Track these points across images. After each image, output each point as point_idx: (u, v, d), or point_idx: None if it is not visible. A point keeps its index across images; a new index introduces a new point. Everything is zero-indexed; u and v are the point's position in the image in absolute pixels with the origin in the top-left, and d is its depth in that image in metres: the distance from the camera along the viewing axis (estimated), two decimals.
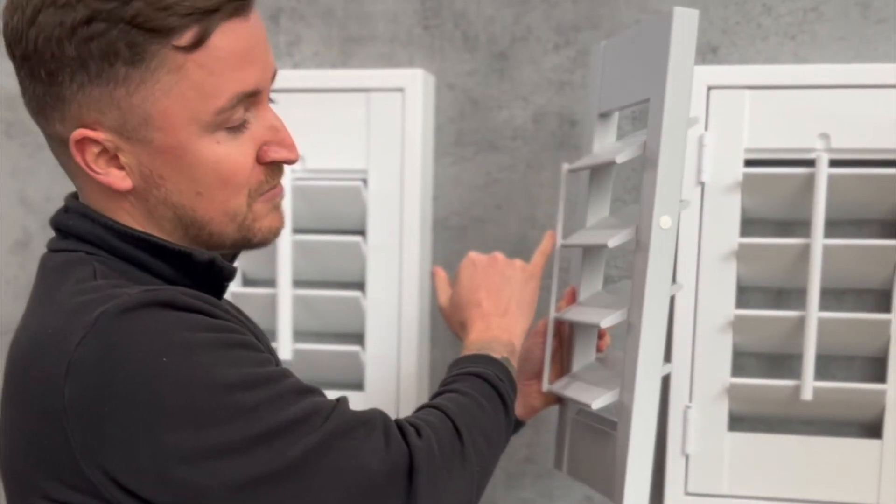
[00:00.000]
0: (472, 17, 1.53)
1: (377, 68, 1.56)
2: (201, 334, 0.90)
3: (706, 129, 1.41)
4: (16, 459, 0.96)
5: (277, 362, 1.00)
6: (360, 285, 1.56)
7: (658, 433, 1.47)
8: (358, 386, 1.57)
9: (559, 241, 1.36)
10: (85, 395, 0.88)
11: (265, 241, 1.03)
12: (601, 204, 1.36)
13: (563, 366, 1.37)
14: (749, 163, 1.41)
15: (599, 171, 1.34)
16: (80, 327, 0.89)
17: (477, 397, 1.08)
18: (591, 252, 1.35)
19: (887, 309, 1.40)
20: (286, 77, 1.55)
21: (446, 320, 1.34)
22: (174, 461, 0.88)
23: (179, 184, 0.97)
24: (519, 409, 1.35)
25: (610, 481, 1.20)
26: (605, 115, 1.35)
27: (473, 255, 1.32)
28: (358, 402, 1.54)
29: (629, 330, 1.16)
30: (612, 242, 1.18)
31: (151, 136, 0.94)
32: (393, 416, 1.51)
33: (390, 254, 1.53)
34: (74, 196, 1.04)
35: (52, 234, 1.05)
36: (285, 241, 1.53)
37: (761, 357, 1.48)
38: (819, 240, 1.36)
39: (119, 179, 0.96)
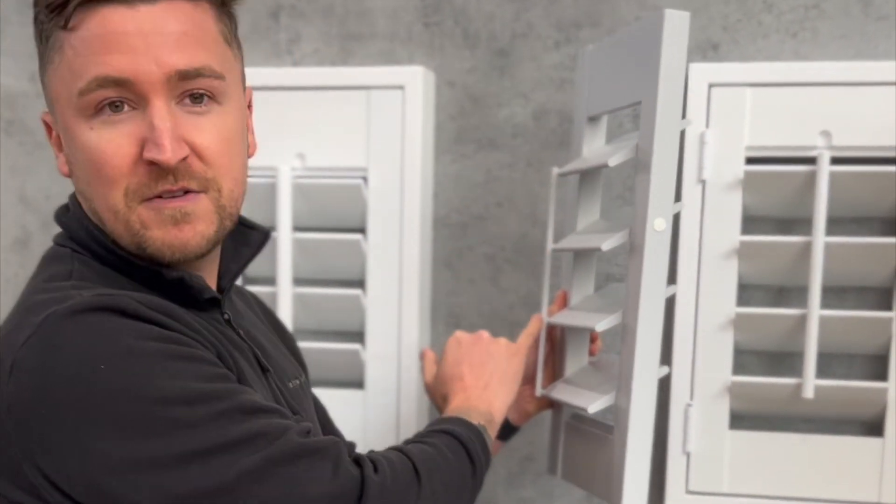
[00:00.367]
0: (472, 13, 1.53)
1: (377, 66, 1.55)
2: (147, 343, 0.89)
3: (707, 126, 1.41)
4: None
5: (240, 378, 0.98)
6: (360, 283, 1.56)
7: (659, 432, 1.47)
8: (358, 384, 1.56)
9: (549, 246, 1.36)
10: (23, 395, 0.88)
11: (161, 254, 0.97)
12: (591, 207, 1.36)
13: (555, 370, 1.37)
14: (750, 160, 1.41)
15: (589, 175, 1.34)
16: (29, 327, 0.89)
17: (443, 449, 1.06)
18: (582, 256, 1.35)
19: (888, 307, 1.40)
20: (286, 75, 1.56)
21: (430, 396, 1.35)
22: (104, 471, 0.87)
23: (77, 170, 0.98)
24: (512, 415, 1.36)
25: (607, 484, 1.19)
26: (593, 119, 1.35)
27: (459, 333, 1.33)
28: (358, 400, 1.55)
29: (625, 333, 1.16)
30: (606, 246, 1.18)
31: (57, 119, 0.98)
32: (393, 415, 1.54)
33: (390, 251, 1.53)
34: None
35: (51, 232, 1.06)
36: (285, 239, 1.53)
37: (762, 355, 1.48)
38: (820, 237, 1.36)
39: (61, 164, 1.00)
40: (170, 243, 0.96)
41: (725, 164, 1.40)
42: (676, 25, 1.11)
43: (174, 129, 0.94)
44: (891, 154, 1.37)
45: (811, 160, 1.37)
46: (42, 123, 1.03)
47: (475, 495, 1.11)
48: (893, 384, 1.38)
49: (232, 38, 1.02)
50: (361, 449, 1.42)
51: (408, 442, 1.09)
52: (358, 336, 1.57)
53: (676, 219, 1.42)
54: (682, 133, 1.40)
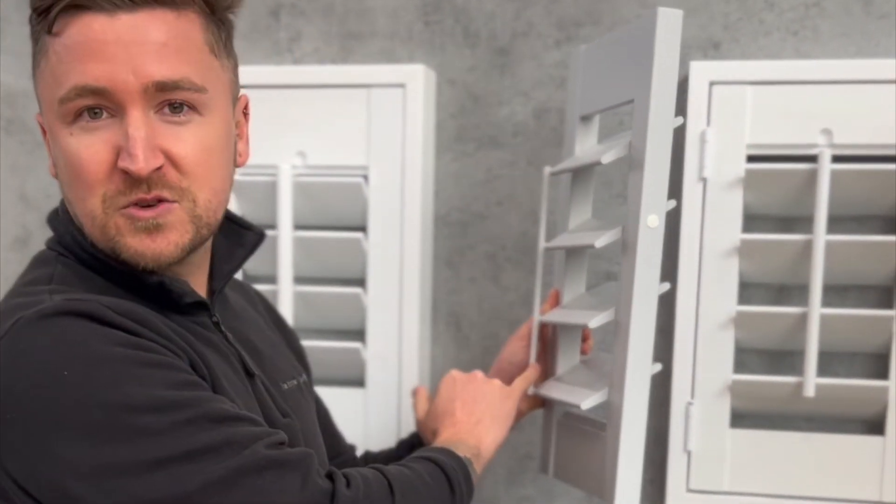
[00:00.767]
0: (472, 12, 1.53)
1: (378, 64, 1.55)
2: (114, 349, 0.89)
3: (708, 124, 1.41)
4: None
5: (216, 385, 0.98)
6: (360, 282, 1.56)
7: (660, 430, 1.47)
8: (359, 383, 1.56)
9: (542, 245, 1.36)
10: None
11: (135, 261, 0.97)
12: (583, 206, 1.36)
13: (547, 369, 1.37)
14: (751, 159, 1.41)
15: (581, 174, 1.34)
16: (1, 331, 0.90)
17: (423, 474, 1.05)
18: (574, 254, 1.35)
19: (889, 305, 1.40)
20: (287, 73, 1.56)
21: (421, 432, 1.34)
22: (70, 476, 0.87)
23: (60, 174, 0.99)
24: None
25: (600, 481, 1.20)
26: (586, 118, 1.35)
27: (454, 372, 1.32)
28: (359, 398, 1.55)
29: (617, 329, 1.16)
30: (600, 243, 1.18)
31: (45, 121, 0.98)
32: (394, 414, 1.54)
33: (391, 250, 1.53)
34: None
35: (50, 231, 1.07)
36: (286, 238, 1.53)
37: (763, 353, 1.48)
38: (821, 236, 1.36)
39: (51, 165, 1.01)
40: (142, 252, 0.96)
41: (726, 162, 1.40)
42: (670, 23, 1.11)
43: (149, 139, 0.94)
44: (891, 152, 1.37)
45: (812, 158, 1.37)
46: (37, 124, 1.03)
47: None
48: (894, 383, 1.38)
49: (220, 48, 1.01)
50: (361, 447, 1.44)
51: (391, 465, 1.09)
52: (358, 334, 1.57)
53: (677, 217, 1.42)
54: (683, 129, 1.41)
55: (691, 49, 1.45)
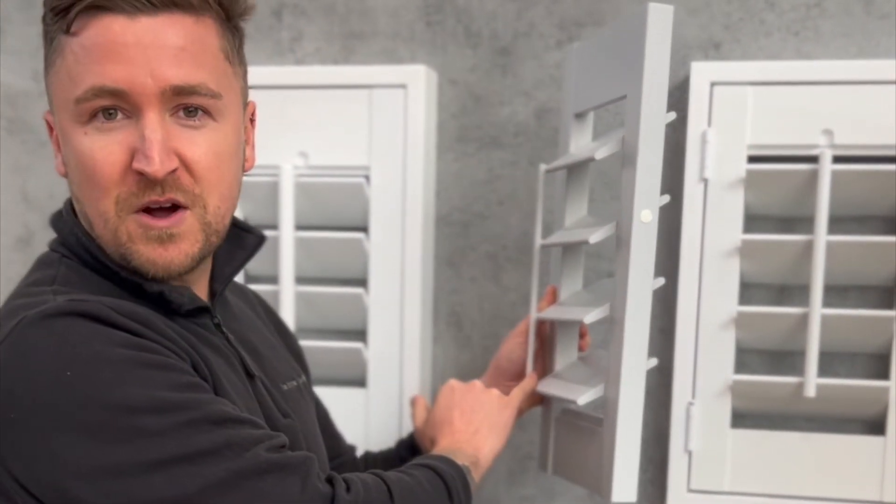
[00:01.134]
0: (474, 12, 1.53)
1: (379, 64, 1.55)
2: (116, 350, 0.89)
3: (709, 125, 1.41)
4: None
5: (218, 387, 0.98)
6: (362, 282, 1.56)
7: (661, 430, 1.47)
8: (360, 383, 1.57)
9: (538, 242, 1.36)
10: None
11: (145, 269, 0.97)
12: (579, 203, 1.36)
13: (545, 366, 1.37)
14: (752, 159, 1.41)
15: (576, 171, 1.35)
16: (3, 331, 0.90)
17: (422, 481, 1.05)
18: (570, 251, 1.36)
19: (890, 305, 1.40)
20: (288, 73, 1.56)
21: (419, 440, 1.35)
22: (70, 476, 0.87)
23: (71, 173, 0.99)
24: None
25: (597, 477, 1.20)
26: (580, 116, 1.36)
27: (453, 381, 1.33)
28: (360, 398, 1.55)
29: (612, 324, 1.17)
30: (594, 238, 1.18)
31: (56, 120, 0.98)
32: (396, 414, 1.54)
33: (392, 250, 1.53)
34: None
35: (52, 231, 1.07)
36: (287, 238, 1.53)
37: (764, 354, 1.48)
38: (822, 236, 1.36)
39: (59, 163, 1.01)
40: (154, 261, 0.97)
41: (727, 162, 1.41)
42: (660, 19, 1.11)
43: (165, 142, 0.94)
44: (892, 153, 1.37)
45: (813, 159, 1.37)
46: (44, 122, 1.04)
47: None
48: (895, 383, 1.38)
49: (234, 54, 1.02)
50: (362, 447, 1.44)
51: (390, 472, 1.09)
52: (360, 334, 1.57)
53: (678, 218, 1.42)
54: (684, 130, 1.41)
55: (692, 49, 1.45)
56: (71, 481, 0.87)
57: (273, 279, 1.56)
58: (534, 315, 1.36)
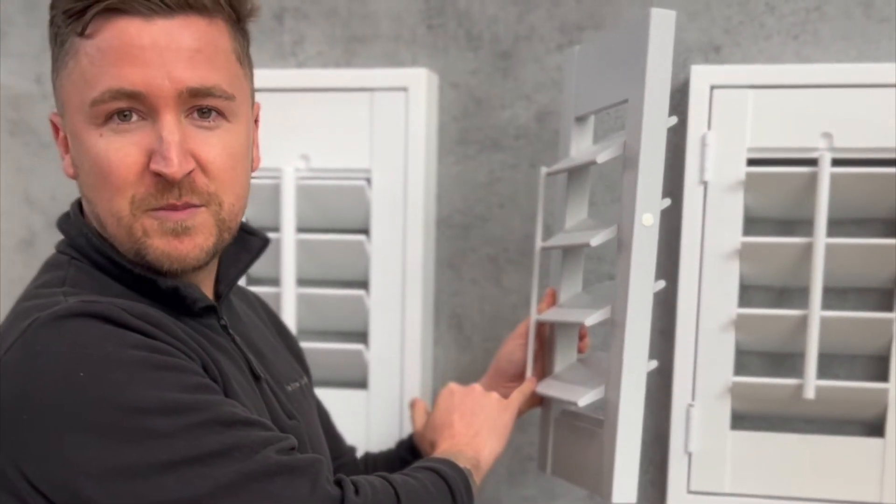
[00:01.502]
0: (475, 15, 1.53)
1: (381, 67, 1.56)
2: (128, 351, 0.90)
3: (709, 128, 1.41)
4: None
5: (227, 388, 0.98)
6: (363, 284, 1.57)
7: (661, 431, 1.48)
8: (361, 384, 1.57)
9: (538, 245, 1.36)
10: (6, 399, 0.89)
11: (159, 263, 0.98)
12: (579, 206, 1.37)
13: (544, 367, 1.38)
14: (752, 162, 1.41)
15: (577, 174, 1.35)
16: (16, 332, 0.91)
17: (427, 484, 1.06)
18: (570, 253, 1.36)
19: (890, 308, 1.41)
20: (290, 76, 1.56)
21: (419, 444, 1.35)
22: (81, 476, 0.87)
23: (83, 175, 0.99)
24: None
25: (597, 478, 1.20)
26: (581, 119, 1.36)
27: (452, 384, 1.33)
28: (361, 400, 1.55)
29: (613, 327, 1.17)
30: (595, 241, 1.19)
31: (66, 122, 0.98)
32: (396, 416, 1.54)
33: (394, 252, 1.53)
34: (79, 200, 1.06)
35: (56, 233, 1.07)
36: (289, 240, 1.54)
37: (764, 356, 1.48)
38: (821, 239, 1.36)
39: (67, 165, 1.01)
40: (168, 254, 0.98)
41: (727, 165, 1.41)
42: (663, 24, 1.12)
43: (182, 143, 0.95)
44: (892, 156, 1.37)
45: (812, 162, 1.37)
46: (50, 123, 1.04)
47: None
48: (894, 385, 1.38)
49: (244, 56, 1.03)
50: (363, 449, 1.44)
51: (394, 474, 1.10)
52: (361, 336, 1.57)
53: (678, 220, 1.43)
54: (684, 133, 1.41)
55: (692, 53, 1.45)
56: (82, 481, 0.87)
57: (275, 281, 1.56)
58: (534, 317, 1.36)
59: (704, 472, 1.45)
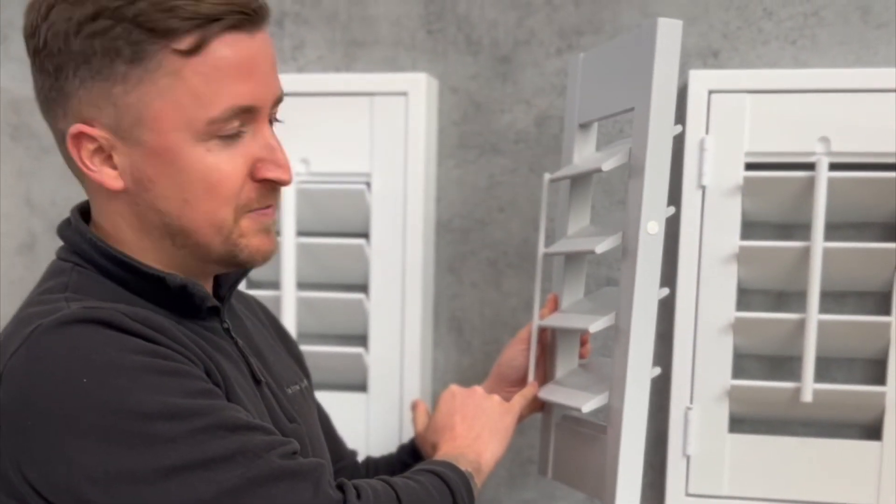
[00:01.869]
0: (475, 20, 1.54)
1: (381, 72, 1.56)
2: (131, 356, 0.90)
3: (707, 132, 1.42)
4: None
5: (230, 393, 0.99)
6: (363, 287, 1.57)
7: (659, 434, 1.48)
8: (361, 388, 1.57)
9: (541, 250, 1.37)
10: (10, 405, 0.89)
11: (251, 260, 1.02)
12: (582, 212, 1.37)
13: (545, 373, 1.38)
14: (750, 166, 1.42)
15: (580, 181, 1.36)
16: (19, 338, 0.91)
17: (428, 487, 1.06)
18: (573, 260, 1.37)
19: (887, 311, 1.41)
20: (290, 81, 1.56)
21: (420, 446, 1.35)
22: (85, 482, 0.88)
23: (167, 189, 0.97)
24: None
25: (599, 483, 1.21)
26: (584, 126, 1.36)
27: (454, 387, 1.34)
28: (361, 403, 1.56)
29: (618, 334, 1.18)
30: (601, 248, 1.19)
31: (144, 138, 0.95)
32: (396, 419, 1.55)
33: (393, 256, 1.54)
34: (79, 207, 1.06)
35: (56, 237, 1.07)
36: (289, 244, 1.54)
37: (762, 359, 1.49)
38: (819, 243, 1.37)
39: (111, 178, 0.97)
40: (259, 248, 1.02)
41: (725, 169, 1.42)
42: (670, 33, 1.12)
43: None
44: (889, 160, 1.38)
45: (810, 166, 1.38)
46: (74, 136, 0.96)
47: None
48: (892, 388, 1.39)
49: None
50: (363, 452, 1.45)
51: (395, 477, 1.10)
52: (361, 340, 1.58)
53: (676, 224, 1.43)
54: (682, 137, 1.42)
55: (691, 57, 1.46)
56: (86, 486, 0.88)
57: (275, 285, 1.57)
58: (536, 322, 1.36)
59: (703, 474, 1.45)
